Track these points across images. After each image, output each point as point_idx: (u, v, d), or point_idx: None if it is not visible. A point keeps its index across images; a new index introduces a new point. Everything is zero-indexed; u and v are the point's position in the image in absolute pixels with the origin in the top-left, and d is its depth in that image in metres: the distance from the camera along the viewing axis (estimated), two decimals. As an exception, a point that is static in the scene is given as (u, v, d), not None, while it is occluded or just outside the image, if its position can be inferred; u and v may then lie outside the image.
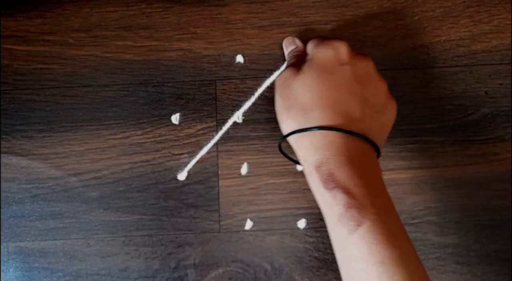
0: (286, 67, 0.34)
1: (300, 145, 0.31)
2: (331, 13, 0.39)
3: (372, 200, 0.28)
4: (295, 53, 0.36)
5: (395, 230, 0.29)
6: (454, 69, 0.38)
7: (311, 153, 0.30)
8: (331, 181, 0.29)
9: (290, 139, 0.32)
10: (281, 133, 0.33)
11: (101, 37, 0.39)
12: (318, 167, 0.29)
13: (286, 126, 0.32)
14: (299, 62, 0.34)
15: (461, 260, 0.38)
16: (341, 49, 0.32)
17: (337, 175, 0.29)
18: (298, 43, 0.37)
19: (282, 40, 0.39)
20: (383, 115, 0.32)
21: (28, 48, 0.39)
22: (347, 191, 0.28)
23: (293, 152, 0.33)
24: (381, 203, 0.29)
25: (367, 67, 0.32)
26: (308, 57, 0.33)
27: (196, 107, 0.39)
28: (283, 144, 0.34)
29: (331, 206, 0.29)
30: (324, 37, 0.35)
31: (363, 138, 0.30)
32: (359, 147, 0.30)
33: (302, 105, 0.31)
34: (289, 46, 0.38)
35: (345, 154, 0.29)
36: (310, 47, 0.34)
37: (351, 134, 0.30)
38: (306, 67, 0.32)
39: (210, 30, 0.39)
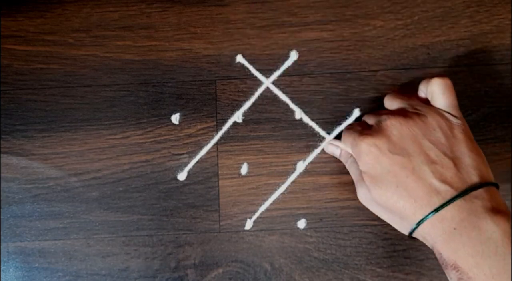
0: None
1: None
2: (331, 13, 0.39)
3: None
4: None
5: None
6: (454, 69, 0.38)
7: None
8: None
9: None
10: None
11: (101, 37, 0.39)
12: None
13: None
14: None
15: (461, 260, 0.38)
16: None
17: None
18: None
19: (282, 40, 0.39)
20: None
21: (28, 48, 0.39)
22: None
23: None
24: None
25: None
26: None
27: (196, 107, 0.39)
28: None
29: None
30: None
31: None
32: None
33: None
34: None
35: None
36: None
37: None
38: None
39: (210, 30, 0.39)
